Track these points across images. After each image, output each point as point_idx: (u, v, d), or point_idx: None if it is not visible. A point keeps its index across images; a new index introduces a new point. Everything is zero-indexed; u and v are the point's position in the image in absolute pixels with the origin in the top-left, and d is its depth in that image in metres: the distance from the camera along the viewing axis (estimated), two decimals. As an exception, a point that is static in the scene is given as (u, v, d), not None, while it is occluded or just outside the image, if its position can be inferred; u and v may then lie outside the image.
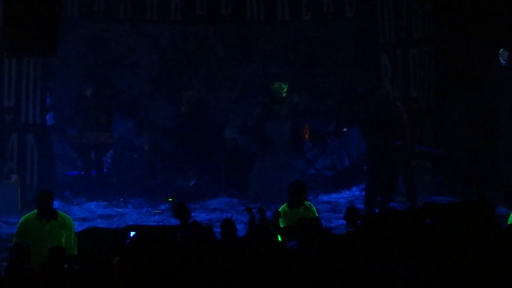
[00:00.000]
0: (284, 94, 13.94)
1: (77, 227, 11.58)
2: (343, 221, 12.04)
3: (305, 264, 7.65)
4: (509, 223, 9.45)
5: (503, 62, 13.07)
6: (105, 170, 14.50)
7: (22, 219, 9.36)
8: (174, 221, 12.11)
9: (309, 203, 10.32)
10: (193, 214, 12.96)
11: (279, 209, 10.18)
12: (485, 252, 7.81)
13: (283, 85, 14.00)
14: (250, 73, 16.44)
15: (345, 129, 15.12)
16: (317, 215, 10.22)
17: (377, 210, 13.23)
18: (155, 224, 12.38)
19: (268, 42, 16.39)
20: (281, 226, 9.84)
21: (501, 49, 12.99)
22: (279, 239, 8.90)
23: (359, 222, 9.33)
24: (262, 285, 7.49)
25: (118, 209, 13.33)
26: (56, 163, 14.43)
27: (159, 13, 14.80)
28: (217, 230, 10.73)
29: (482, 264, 7.56)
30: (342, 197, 14.28)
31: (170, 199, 13.40)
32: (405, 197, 13.51)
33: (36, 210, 9.29)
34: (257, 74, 16.40)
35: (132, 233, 9.20)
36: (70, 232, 9.31)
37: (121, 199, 13.84)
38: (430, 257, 7.37)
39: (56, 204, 13.45)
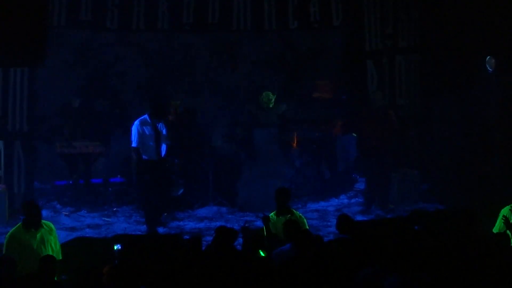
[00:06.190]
0: (271, 105, 13.95)
1: (66, 236, 11.54)
2: (332, 229, 12.08)
3: (298, 272, 7.67)
4: (495, 231, 9.47)
5: (490, 70, 13.14)
6: (92, 179, 14.44)
7: (9, 233, 9.11)
8: (162, 231, 12.14)
9: (299, 213, 10.28)
10: (181, 223, 13.01)
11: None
12: (470, 258, 7.85)
13: (270, 96, 13.99)
14: (236, 81, 16.45)
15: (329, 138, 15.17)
16: (306, 227, 10.18)
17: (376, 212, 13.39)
18: (143, 233, 12.35)
19: (255, 51, 16.41)
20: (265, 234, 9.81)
21: (488, 57, 13.06)
22: (262, 254, 8.86)
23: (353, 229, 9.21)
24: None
25: (106, 219, 13.29)
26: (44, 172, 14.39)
27: (146, 22, 14.78)
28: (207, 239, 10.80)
29: (468, 271, 7.60)
30: (331, 205, 14.27)
31: None
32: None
33: (20, 223, 9.16)
34: (244, 82, 16.41)
35: (116, 247, 9.02)
36: (55, 237, 9.26)
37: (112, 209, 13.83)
38: (417, 264, 7.38)
39: (44, 213, 13.51)
